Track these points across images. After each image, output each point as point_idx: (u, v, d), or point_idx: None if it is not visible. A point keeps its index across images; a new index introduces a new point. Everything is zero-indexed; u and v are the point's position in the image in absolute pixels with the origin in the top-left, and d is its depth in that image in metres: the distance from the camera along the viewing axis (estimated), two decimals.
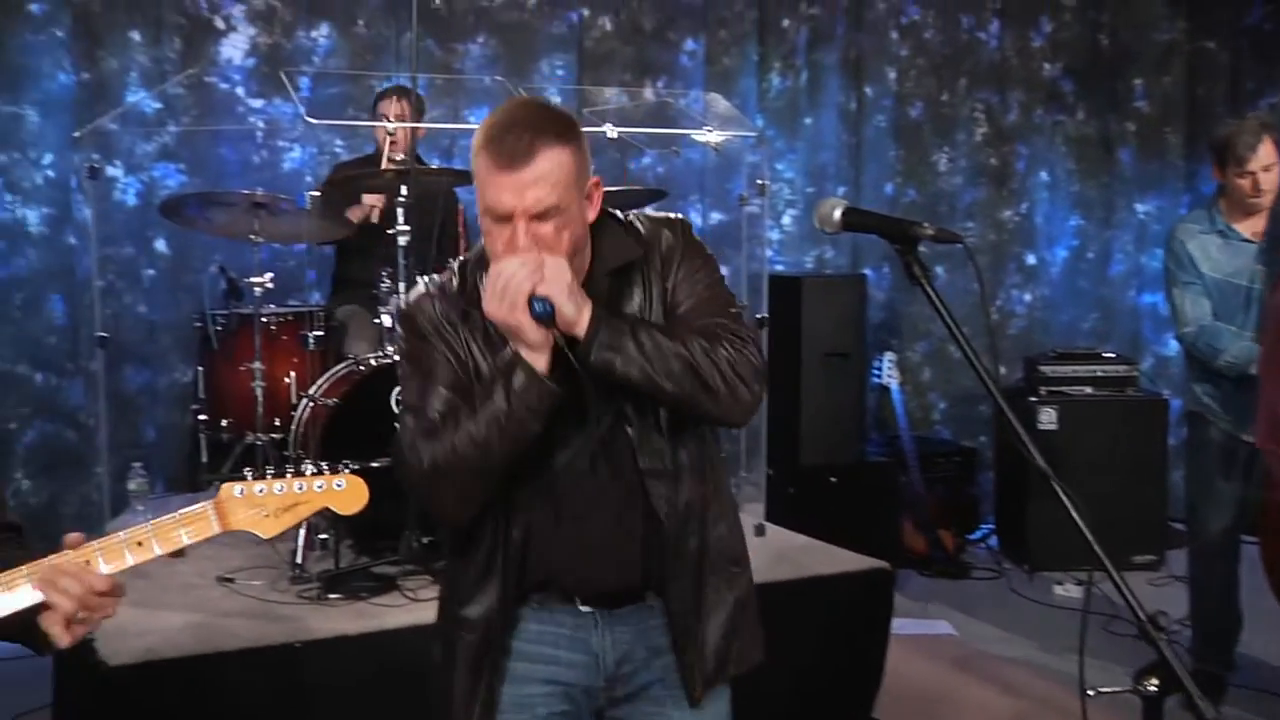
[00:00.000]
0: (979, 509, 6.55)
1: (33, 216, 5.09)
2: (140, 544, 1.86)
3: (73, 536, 1.86)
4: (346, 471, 1.91)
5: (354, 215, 4.96)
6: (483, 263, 2.03)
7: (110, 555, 1.83)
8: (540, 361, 1.94)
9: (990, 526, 6.49)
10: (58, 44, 5.08)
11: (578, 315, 1.93)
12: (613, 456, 2.07)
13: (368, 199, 4.97)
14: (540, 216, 1.94)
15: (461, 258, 2.16)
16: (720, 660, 2.15)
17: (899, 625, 4.31)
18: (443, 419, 2.00)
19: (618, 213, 2.16)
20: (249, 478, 1.87)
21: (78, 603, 1.77)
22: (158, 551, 1.86)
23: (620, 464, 2.07)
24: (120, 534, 1.85)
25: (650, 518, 2.07)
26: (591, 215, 2.06)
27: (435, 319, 2.08)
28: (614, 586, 2.11)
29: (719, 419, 2.11)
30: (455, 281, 2.11)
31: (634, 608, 2.13)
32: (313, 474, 1.89)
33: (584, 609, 2.11)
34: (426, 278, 2.16)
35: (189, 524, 1.87)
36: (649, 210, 2.18)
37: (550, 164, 1.93)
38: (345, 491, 1.91)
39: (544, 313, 1.91)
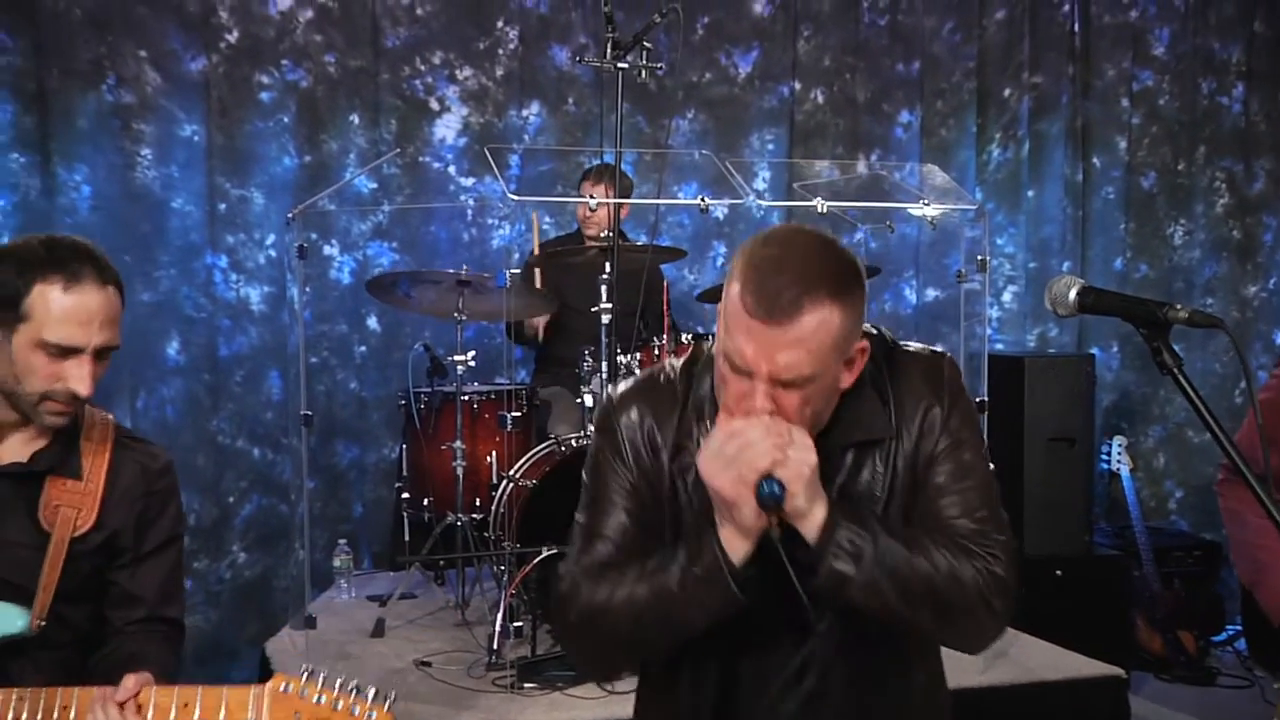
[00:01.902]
0: (1223, 608, 6.03)
1: (255, 295, 5.24)
2: (186, 705, 1.92)
3: (130, 681, 1.94)
4: (384, 707, 1.85)
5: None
6: (708, 379, 1.78)
7: (159, 712, 1.93)
8: (740, 548, 1.65)
9: (1237, 629, 5.96)
10: (283, 129, 5.25)
11: (810, 509, 1.64)
12: (824, 655, 1.80)
13: (530, 321, 4.99)
14: (785, 383, 1.65)
15: (685, 358, 1.89)
16: None
17: None
18: (608, 565, 1.77)
19: (879, 340, 1.82)
20: (303, 677, 1.88)
21: None
22: (197, 717, 1.92)
23: (834, 665, 1.79)
24: (176, 690, 1.94)
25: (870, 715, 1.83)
26: (847, 382, 1.74)
27: (637, 435, 1.83)
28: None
29: (950, 645, 1.81)
30: (677, 390, 1.83)
31: None
32: (349, 696, 1.86)
33: None
34: (639, 372, 1.91)
35: (231, 703, 1.90)
36: (913, 345, 1.87)
37: (814, 327, 1.61)
38: None
39: (773, 497, 1.60)
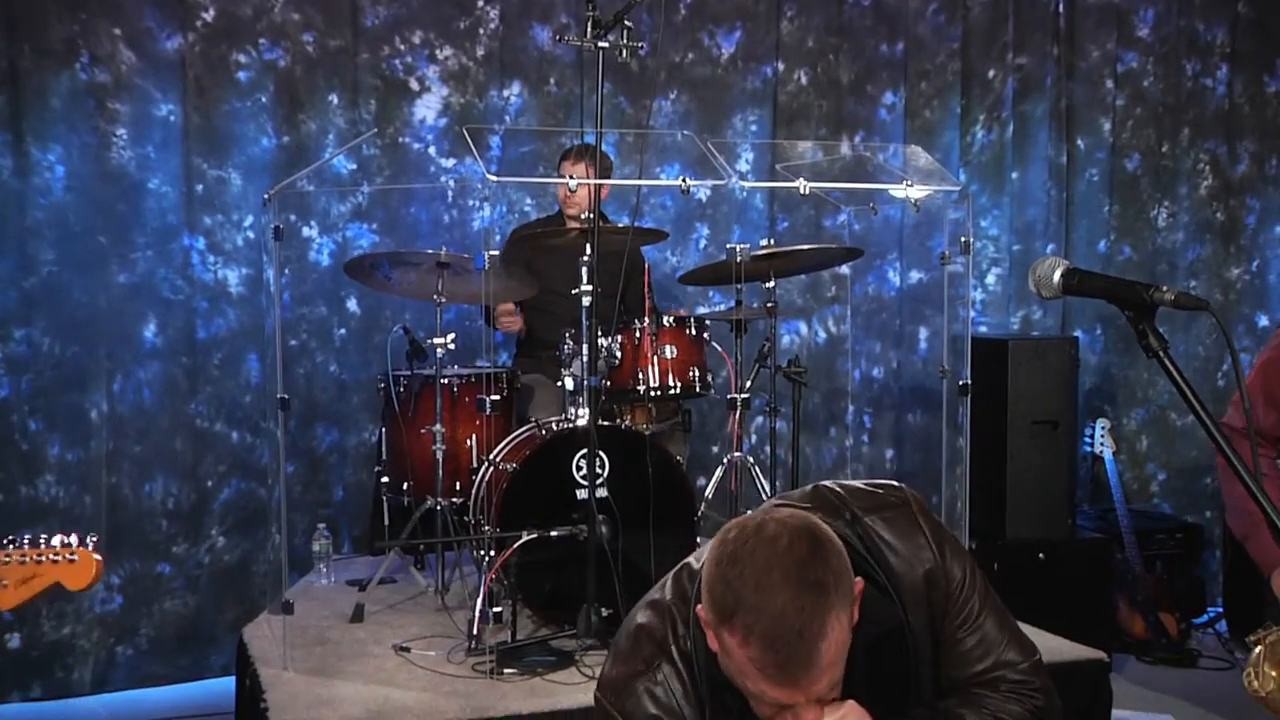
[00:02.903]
0: (1205, 591, 6.05)
1: (233, 277, 5.19)
2: None
3: None
4: (83, 547, 1.92)
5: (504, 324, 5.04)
6: (712, 669, 1.73)
7: None
8: None
9: (1218, 611, 5.98)
10: (261, 109, 5.19)
11: None
12: None
13: (501, 311, 4.97)
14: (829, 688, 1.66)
15: (649, 633, 1.82)
16: None
17: (1117, 717, 3.95)
18: None
19: (842, 510, 1.83)
20: (4, 545, 1.93)
21: None
22: None
23: None
24: None
25: None
26: (855, 616, 1.70)
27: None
28: None
29: None
30: (683, 692, 1.77)
31: None
32: (50, 547, 1.89)
33: None
34: (622, 664, 1.83)
35: None
36: (863, 488, 1.89)
37: (832, 648, 1.61)
38: (77, 565, 1.92)
39: None
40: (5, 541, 1.95)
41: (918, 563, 1.80)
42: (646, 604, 1.88)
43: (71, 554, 1.91)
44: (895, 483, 1.91)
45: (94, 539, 1.93)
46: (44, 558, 1.92)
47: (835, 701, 1.67)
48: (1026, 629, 4.02)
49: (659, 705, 1.76)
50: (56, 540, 1.93)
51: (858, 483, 1.92)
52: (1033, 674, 1.84)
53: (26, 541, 1.95)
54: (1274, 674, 2.83)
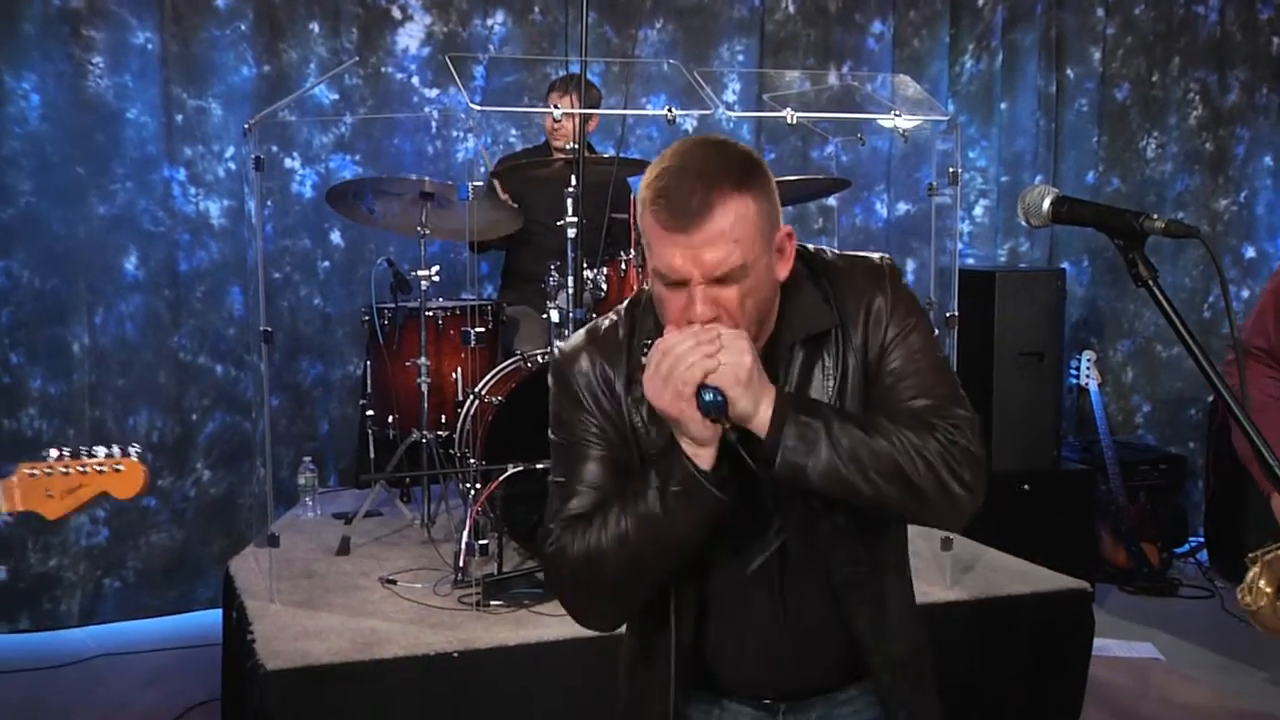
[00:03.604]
0: (1187, 521, 6.10)
1: (214, 209, 5.13)
2: None
3: None
4: (130, 457, 1.93)
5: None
6: (653, 312, 1.77)
7: None
8: (705, 458, 1.63)
9: (1200, 540, 6.03)
10: (241, 37, 5.10)
11: (755, 409, 1.62)
12: (797, 564, 1.79)
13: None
14: (720, 280, 1.64)
15: (629, 299, 1.88)
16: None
17: (1098, 646, 4.00)
18: (590, 513, 1.74)
19: (814, 254, 1.83)
20: (47, 458, 1.93)
21: None
22: None
23: (807, 572, 1.79)
24: None
25: (847, 625, 1.82)
26: (782, 273, 1.73)
27: (592, 381, 1.81)
28: (800, 689, 1.87)
29: (929, 524, 1.80)
30: (621, 332, 1.82)
31: (822, 698, 1.89)
32: (94, 458, 1.88)
33: (764, 701, 1.88)
34: (586, 327, 1.88)
35: None
36: (848, 253, 1.87)
37: (730, 219, 1.61)
38: (123, 475, 1.93)
39: (714, 405, 1.59)
40: (47, 453, 1.94)
41: (868, 294, 1.79)
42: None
43: (118, 464, 1.91)
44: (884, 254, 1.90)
45: (136, 449, 1.94)
46: (89, 468, 1.90)
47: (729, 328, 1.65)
48: (1010, 560, 4.08)
49: (592, 366, 1.82)
50: (100, 450, 1.92)
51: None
52: (962, 421, 1.72)
53: (68, 453, 1.93)
54: (1268, 590, 2.87)
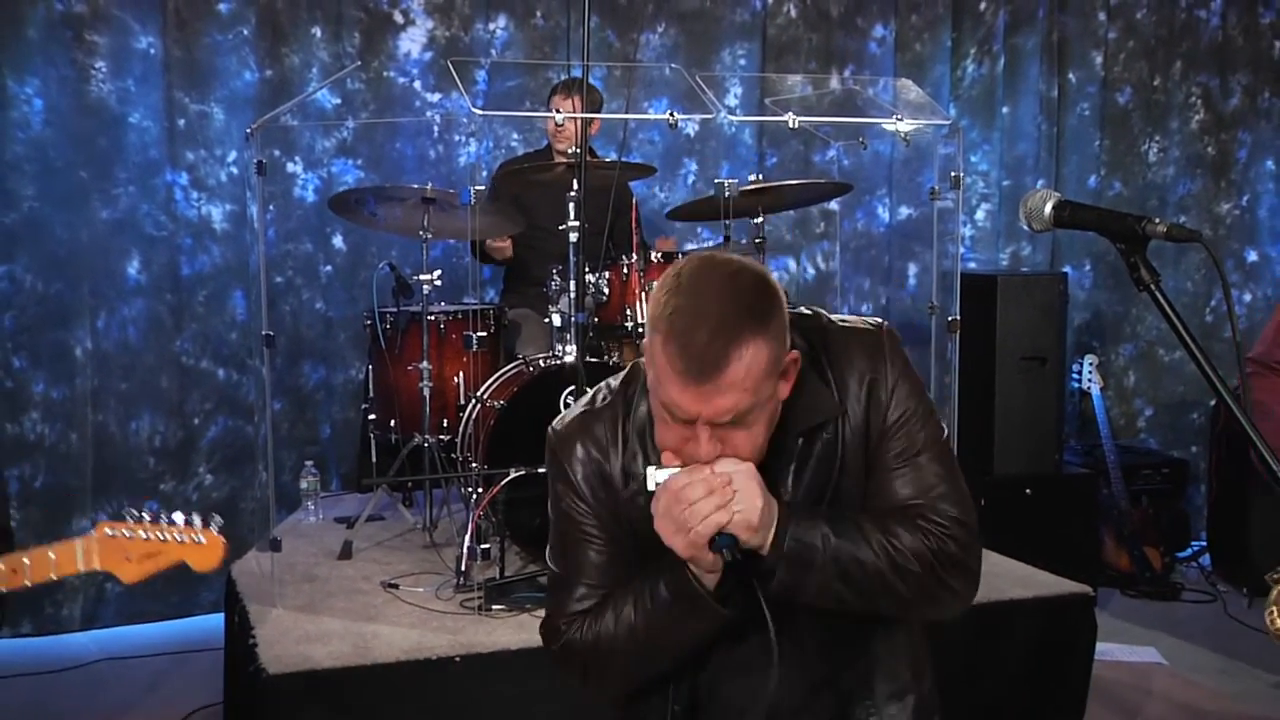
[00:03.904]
0: (1189, 525, 6.09)
1: (217, 213, 5.13)
2: (15, 571, 1.94)
3: None
4: (211, 529, 1.91)
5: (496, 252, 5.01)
6: (646, 400, 1.78)
7: None
8: (711, 581, 1.71)
9: (1202, 544, 6.03)
10: (243, 42, 5.11)
11: (764, 542, 1.68)
12: (796, 651, 1.80)
13: (491, 242, 4.91)
14: (731, 424, 1.66)
15: (621, 378, 1.88)
16: None
17: (1101, 650, 4.00)
18: (595, 609, 1.81)
19: (812, 324, 1.83)
20: (129, 519, 1.92)
21: None
22: (27, 583, 1.94)
23: (805, 655, 1.83)
24: (3, 556, 1.94)
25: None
26: (784, 392, 1.73)
27: (589, 474, 1.83)
28: None
29: (919, 620, 1.87)
30: (619, 417, 1.83)
31: None
32: (175, 525, 1.92)
33: None
34: (579, 405, 1.89)
35: (61, 560, 1.93)
36: (849, 319, 1.88)
37: (744, 369, 1.61)
38: (203, 549, 1.92)
39: (726, 548, 1.64)
40: (127, 513, 1.93)
41: (869, 375, 1.80)
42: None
43: (198, 535, 1.90)
44: (884, 322, 1.90)
45: (219, 521, 1.93)
46: (169, 536, 1.88)
47: (733, 459, 1.69)
48: (1013, 564, 4.07)
49: (589, 455, 1.84)
50: (179, 517, 1.91)
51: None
52: (954, 525, 1.74)
53: (148, 515, 1.91)
54: None
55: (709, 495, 1.63)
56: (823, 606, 1.72)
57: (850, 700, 1.87)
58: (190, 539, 1.87)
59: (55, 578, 1.93)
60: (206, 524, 1.90)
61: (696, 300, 1.64)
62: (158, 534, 1.88)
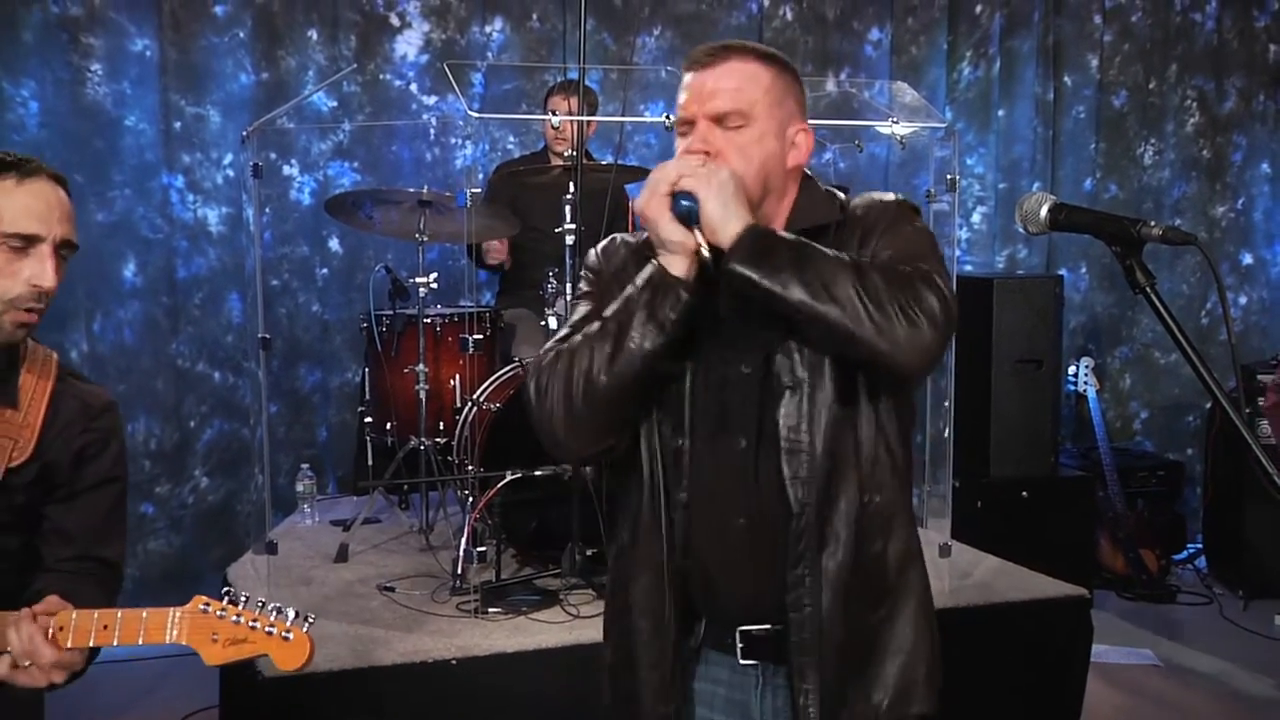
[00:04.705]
0: (1185, 528, 6.10)
1: (213, 216, 5.14)
2: (106, 628, 1.91)
3: (53, 600, 1.93)
4: (302, 628, 1.85)
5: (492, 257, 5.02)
6: None
7: (78, 634, 1.91)
8: (676, 264, 1.73)
9: (1198, 547, 6.03)
10: (239, 44, 5.11)
11: (725, 222, 1.69)
12: (765, 423, 1.80)
13: (489, 245, 4.93)
14: (719, 120, 1.79)
15: None
16: (850, 702, 1.82)
17: (1097, 652, 4.00)
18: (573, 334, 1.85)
19: (834, 188, 1.94)
20: (225, 599, 1.88)
21: (21, 654, 1.90)
22: (115, 641, 1.92)
23: (770, 432, 1.79)
24: (96, 613, 1.93)
25: (788, 507, 1.79)
26: (792, 160, 1.86)
27: (621, 260, 1.94)
28: (754, 596, 1.83)
29: (883, 357, 1.69)
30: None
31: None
32: (268, 617, 1.85)
33: (743, 663, 1.86)
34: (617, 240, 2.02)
35: (151, 626, 1.90)
36: (872, 193, 1.96)
37: (739, 73, 1.81)
38: (290, 645, 1.85)
39: (685, 209, 1.71)
40: (225, 594, 1.89)
41: (876, 211, 1.86)
42: None
43: (287, 631, 1.84)
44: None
45: (312, 619, 1.87)
46: (259, 625, 1.84)
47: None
48: (1009, 566, 4.07)
49: (612, 242, 2.00)
50: (273, 608, 1.85)
51: None
52: (928, 274, 1.72)
53: (244, 600, 1.87)
54: None
55: (681, 161, 1.76)
56: (785, 303, 1.67)
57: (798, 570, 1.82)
58: (280, 633, 1.84)
59: (141, 642, 1.91)
60: (300, 621, 1.86)
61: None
62: (250, 620, 1.85)
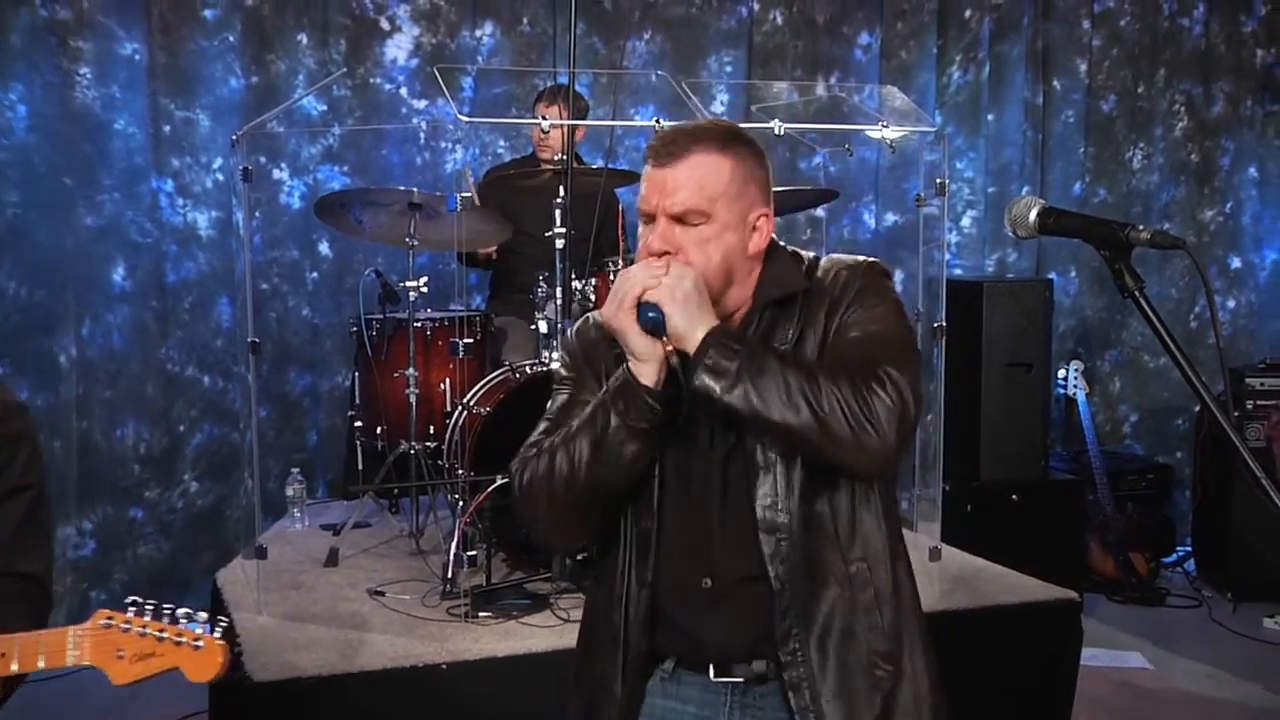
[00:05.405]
0: (1174, 531, 6.11)
1: (202, 220, 5.13)
2: (3, 655, 1.82)
3: None
4: (214, 634, 1.76)
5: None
6: None
7: None
8: (645, 373, 1.78)
9: (1187, 550, 6.04)
10: (229, 48, 5.10)
11: (689, 331, 1.74)
12: (733, 499, 1.85)
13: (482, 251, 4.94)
14: (680, 219, 1.81)
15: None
16: None
17: (1086, 655, 4.00)
18: (553, 431, 1.90)
19: (802, 252, 1.95)
20: (129, 611, 1.77)
21: None
22: (15, 669, 1.83)
23: (741, 508, 1.85)
24: None
25: (768, 584, 1.83)
26: (754, 246, 1.87)
27: (592, 343, 1.98)
28: (728, 645, 1.87)
29: (839, 464, 1.78)
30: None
31: (774, 685, 1.87)
32: (177, 626, 1.76)
33: (716, 680, 1.88)
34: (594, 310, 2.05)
35: (50, 649, 1.81)
36: (840, 255, 1.98)
37: (702, 169, 1.81)
38: (202, 654, 1.75)
39: (652, 320, 1.76)
40: (131, 602, 1.78)
41: (842, 277, 1.88)
42: None
43: (197, 639, 1.74)
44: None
45: (224, 624, 1.78)
46: (167, 636, 1.74)
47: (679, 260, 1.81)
48: (999, 569, 4.08)
49: (587, 324, 2.03)
50: (182, 614, 1.75)
51: None
52: (890, 377, 1.75)
53: (150, 610, 1.76)
54: None
55: (644, 269, 1.78)
56: (742, 414, 1.73)
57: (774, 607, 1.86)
58: (190, 642, 1.74)
59: (44, 666, 1.82)
60: (212, 627, 1.75)
61: (684, 123, 1.92)
62: (156, 632, 1.75)
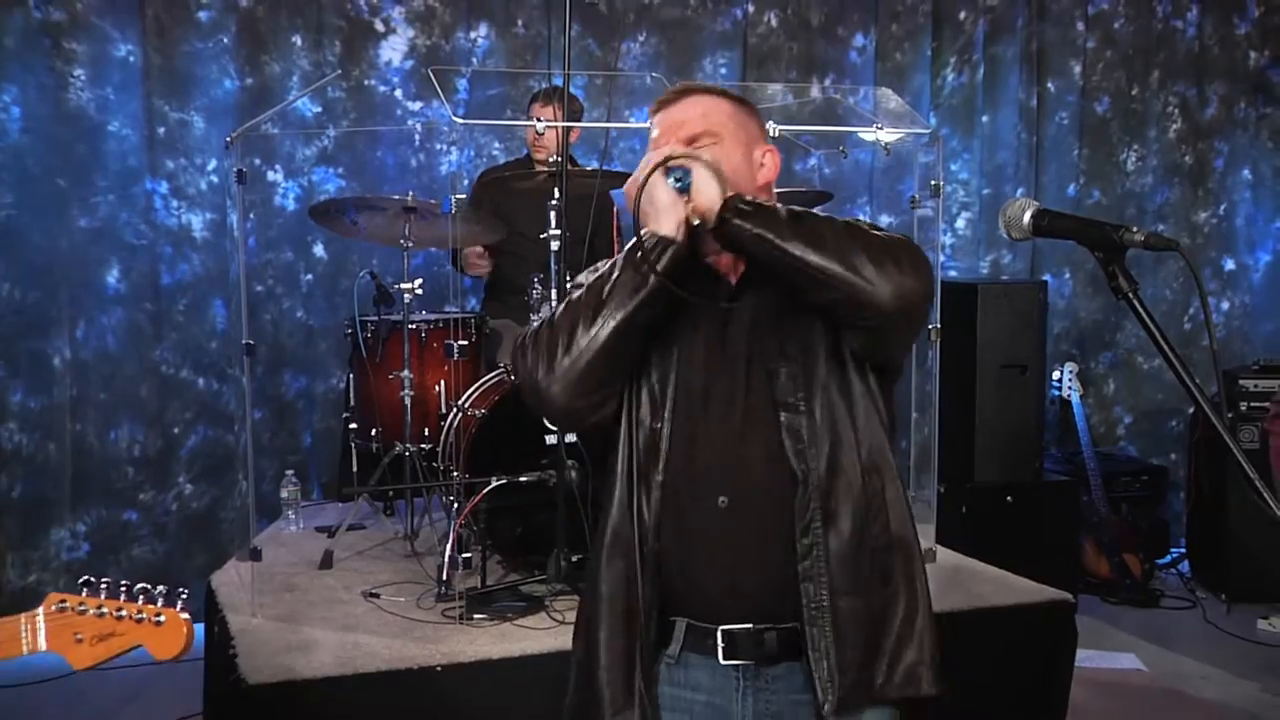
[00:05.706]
0: (1169, 532, 6.12)
1: (197, 222, 5.13)
2: None
3: None
4: (175, 607, 1.71)
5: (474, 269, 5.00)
6: None
7: None
8: (667, 226, 1.82)
9: (1181, 551, 6.05)
10: (223, 50, 5.10)
11: (713, 191, 1.80)
12: (754, 410, 1.87)
13: (470, 254, 4.91)
14: (691, 143, 1.91)
15: None
16: (862, 678, 1.84)
17: (1081, 657, 3.99)
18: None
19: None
20: (83, 592, 1.71)
21: None
22: None
23: (761, 419, 1.86)
24: None
25: (791, 477, 1.83)
26: (762, 178, 1.98)
27: None
28: (740, 585, 1.85)
29: (864, 294, 1.75)
30: None
31: (785, 667, 1.86)
32: (133, 602, 1.70)
33: (725, 664, 1.87)
34: None
35: (2, 638, 1.73)
36: None
37: (704, 104, 1.96)
38: (164, 630, 1.71)
39: (678, 180, 1.82)
40: (84, 583, 1.71)
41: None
42: None
43: (159, 614, 1.69)
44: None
45: (184, 595, 1.72)
46: (126, 614, 1.69)
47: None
48: (993, 571, 4.08)
49: None
50: (139, 589, 1.70)
51: None
52: (902, 239, 1.86)
53: (104, 589, 1.70)
54: None
55: (669, 148, 1.88)
56: (774, 249, 1.77)
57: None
58: (151, 619, 1.67)
59: None
60: (172, 600, 1.68)
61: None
62: (114, 610, 1.68)
